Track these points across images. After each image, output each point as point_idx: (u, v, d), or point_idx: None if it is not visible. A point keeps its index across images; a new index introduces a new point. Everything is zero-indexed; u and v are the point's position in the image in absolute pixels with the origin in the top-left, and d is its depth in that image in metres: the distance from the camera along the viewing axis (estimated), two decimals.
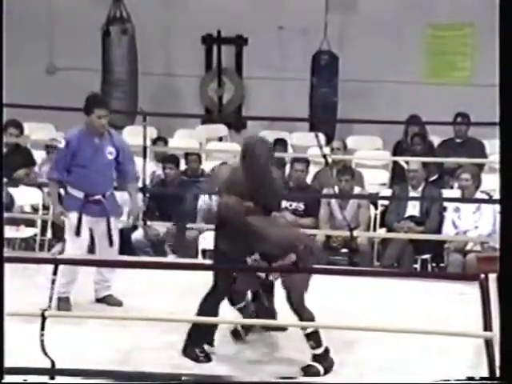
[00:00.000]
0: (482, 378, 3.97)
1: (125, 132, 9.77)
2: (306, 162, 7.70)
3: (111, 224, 5.52)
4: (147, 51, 10.07)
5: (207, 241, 7.25)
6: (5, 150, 8.18)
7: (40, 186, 7.75)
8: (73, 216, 5.43)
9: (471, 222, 7.14)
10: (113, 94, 9.99)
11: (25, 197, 7.79)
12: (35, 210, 7.74)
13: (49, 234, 7.47)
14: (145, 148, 6.99)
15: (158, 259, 7.07)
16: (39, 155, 8.48)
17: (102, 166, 5.47)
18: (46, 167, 8.19)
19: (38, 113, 8.50)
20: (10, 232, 7.35)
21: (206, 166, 8.28)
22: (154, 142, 8.57)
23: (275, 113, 9.61)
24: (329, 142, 9.02)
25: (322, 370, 4.68)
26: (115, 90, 9.98)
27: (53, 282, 4.58)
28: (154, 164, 8.26)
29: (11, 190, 7.48)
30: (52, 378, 4.20)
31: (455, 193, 7.68)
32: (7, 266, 4.92)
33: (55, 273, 4.57)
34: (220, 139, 10.13)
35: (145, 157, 6.98)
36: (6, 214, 7.47)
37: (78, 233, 5.39)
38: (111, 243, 5.49)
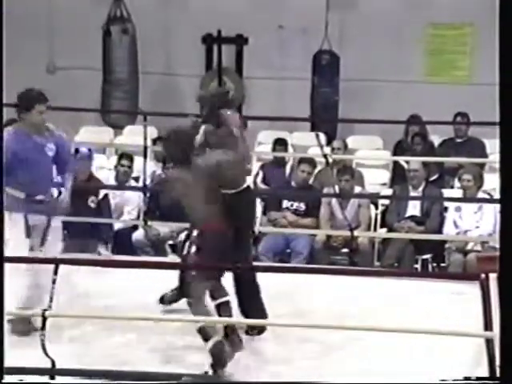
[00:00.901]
0: (482, 378, 3.97)
1: (125, 132, 9.79)
2: (313, 163, 7.69)
3: (51, 224, 5.30)
4: (148, 51, 10.08)
5: None
6: None
7: None
8: (17, 217, 5.26)
9: (472, 222, 7.14)
10: (113, 93, 10.00)
11: None
12: None
13: None
14: (145, 148, 6.98)
15: (158, 259, 7.07)
16: None
17: (43, 164, 5.25)
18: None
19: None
20: None
21: None
22: (155, 141, 8.58)
23: (276, 112, 9.62)
24: (329, 141, 9.02)
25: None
26: (116, 90, 9.99)
27: (53, 281, 4.58)
28: (154, 164, 8.27)
29: None
30: (52, 377, 4.20)
31: (456, 192, 7.69)
32: (7, 266, 4.94)
33: (56, 272, 4.57)
34: None
35: (145, 156, 6.98)
36: None
37: (28, 235, 5.19)
38: (43, 243, 5.26)
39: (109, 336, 5.01)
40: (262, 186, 8.30)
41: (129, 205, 7.62)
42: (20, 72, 9.94)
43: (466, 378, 4.01)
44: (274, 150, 8.58)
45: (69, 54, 10.12)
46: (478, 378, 4.05)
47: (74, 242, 7.03)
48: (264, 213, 7.67)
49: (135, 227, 7.54)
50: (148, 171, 7.31)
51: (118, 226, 7.51)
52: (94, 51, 9.96)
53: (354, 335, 4.90)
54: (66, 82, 9.96)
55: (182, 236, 5.33)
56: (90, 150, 7.61)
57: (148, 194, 7.41)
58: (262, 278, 5.07)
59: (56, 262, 4.45)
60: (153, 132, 9.18)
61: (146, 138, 6.97)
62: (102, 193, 7.38)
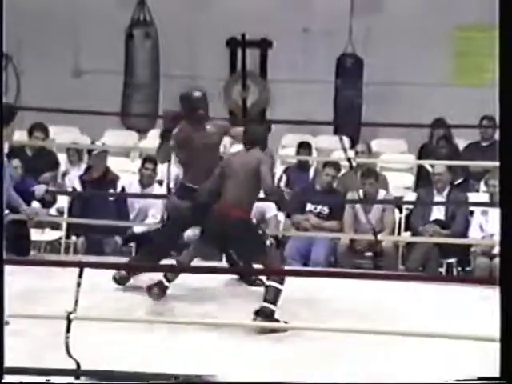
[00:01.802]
0: (481, 378, 3.98)
1: (149, 135, 9.84)
2: (338, 166, 7.70)
3: None
4: (171, 54, 10.12)
5: None
6: (30, 153, 8.27)
7: (66, 190, 7.83)
8: None
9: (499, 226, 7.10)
10: (135, 96, 10.06)
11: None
12: (60, 213, 7.80)
13: (74, 237, 7.54)
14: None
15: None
16: (64, 159, 8.56)
17: None
18: (72, 172, 8.28)
19: (64, 116, 8.59)
20: (35, 235, 7.42)
21: None
22: None
23: (299, 116, 9.63)
24: (353, 145, 9.02)
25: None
26: (137, 93, 10.05)
27: (78, 284, 4.63)
28: (178, 167, 8.29)
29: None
30: (77, 378, 4.24)
31: (481, 196, 7.66)
32: (34, 269, 4.99)
33: (80, 275, 4.61)
34: None
35: (169, 160, 7.00)
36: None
37: None
38: None
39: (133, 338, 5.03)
40: (286, 190, 8.31)
41: (153, 208, 7.67)
42: (46, 75, 10.06)
43: (480, 378, 4.02)
44: (297, 153, 8.60)
45: (94, 56, 10.19)
46: (481, 378, 4.06)
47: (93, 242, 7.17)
48: (288, 216, 7.69)
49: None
50: (172, 174, 7.35)
51: (141, 229, 7.56)
52: (118, 54, 10.02)
53: (376, 338, 4.89)
54: (91, 85, 10.03)
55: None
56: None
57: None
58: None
59: (81, 266, 4.49)
60: None
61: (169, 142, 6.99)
62: (120, 186, 7.57)
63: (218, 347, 4.89)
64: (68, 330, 4.26)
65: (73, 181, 8.05)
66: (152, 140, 9.54)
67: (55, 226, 7.68)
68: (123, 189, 7.65)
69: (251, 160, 5.35)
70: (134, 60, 10.02)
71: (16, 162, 6.98)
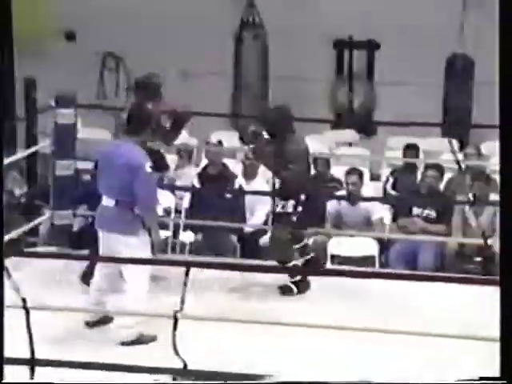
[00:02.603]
0: (482, 378, 3.97)
1: None
2: (440, 168, 7.60)
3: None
4: (278, 55, 10.15)
5: (336, 246, 7.28)
6: None
7: (173, 190, 7.94)
8: None
9: None
10: (243, 98, 10.13)
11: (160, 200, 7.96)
12: (168, 213, 7.92)
13: (181, 237, 7.64)
14: None
15: None
16: (172, 159, 8.66)
17: None
18: (180, 171, 8.40)
19: None
20: None
21: (335, 170, 8.30)
22: None
23: (407, 118, 9.51)
24: (462, 147, 8.86)
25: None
26: (245, 95, 10.12)
27: (185, 283, 4.69)
28: None
29: None
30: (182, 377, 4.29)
31: None
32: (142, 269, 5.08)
33: (187, 274, 4.67)
34: (350, 144, 10.10)
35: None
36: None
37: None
38: None
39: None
40: (392, 193, 8.23)
41: (260, 204, 7.65)
42: None
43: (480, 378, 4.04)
44: (404, 155, 8.50)
45: (201, 58, 10.31)
46: (482, 378, 4.06)
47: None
48: (394, 219, 7.61)
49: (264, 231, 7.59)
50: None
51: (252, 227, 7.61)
52: (226, 56, 10.11)
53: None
54: (198, 88, 10.15)
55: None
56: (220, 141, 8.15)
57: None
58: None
59: (188, 265, 4.54)
60: None
61: None
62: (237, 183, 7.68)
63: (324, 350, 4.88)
64: (175, 328, 4.32)
65: (181, 179, 8.17)
66: None
67: (162, 226, 7.79)
68: (240, 187, 7.70)
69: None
70: (243, 61, 10.09)
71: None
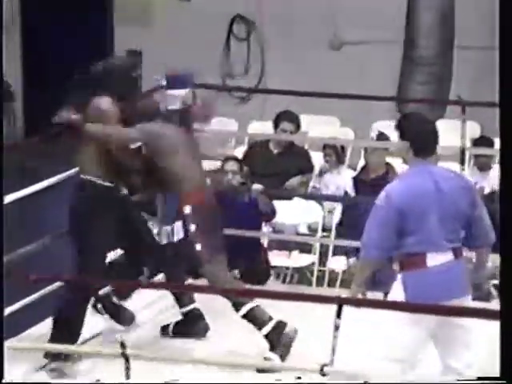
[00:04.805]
0: (482, 378, 4.25)
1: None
2: None
3: None
4: (466, 17, 9.92)
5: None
6: (276, 150, 8.41)
7: (320, 201, 7.90)
8: None
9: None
10: (416, 76, 9.97)
11: (299, 213, 7.94)
12: (313, 231, 7.88)
13: (329, 264, 7.59)
14: (463, 150, 6.91)
15: None
16: (318, 158, 8.63)
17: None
18: (328, 176, 8.36)
19: (319, 101, 8.67)
20: (278, 259, 7.54)
21: None
22: (476, 142, 8.43)
23: None
24: None
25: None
26: (419, 71, 9.96)
27: (336, 328, 4.62)
28: (477, 172, 8.13)
29: (280, 203, 7.63)
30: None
31: None
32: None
33: (339, 315, 4.59)
34: None
35: (462, 162, 6.90)
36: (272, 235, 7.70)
37: None
38: None
39: None
40: None
41: None
42: (294, 50, 10.23)
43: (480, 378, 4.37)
44: None
45: (358, 24, 10.23)
46: (482, 378, 4.35)
47: None
48: None
49: None
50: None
51: None
52: (391, 21, 9.98)
53: None
54: (354, 61, 10.07)
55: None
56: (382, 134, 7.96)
57: None
58: None
59: (340, 302, 4.48)
60: (474, 129, 9.07)
61: (463, 137, 6.90)
62: None
63: None
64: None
65: (328, 186, 8.12)
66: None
67: (305, 249, 7.77)
68: None
69: None
70: (415, 26, 9.89)
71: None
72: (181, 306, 6.27)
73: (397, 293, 4.92)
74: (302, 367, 4.91)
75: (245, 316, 5.88)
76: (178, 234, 6.09)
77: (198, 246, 5.93)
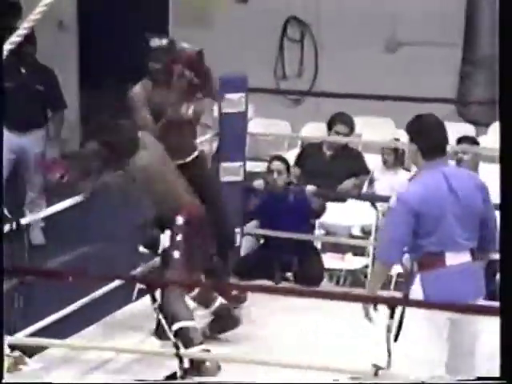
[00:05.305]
0: (481, 378, 4.27)
1: (490, 130, 9.65)
2: None
3: None
4: None
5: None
6: (329, 152, 8.39)
7: (374, 203, 7.86)
8: None
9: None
10: (476, 78, 9.90)
11: (353, 216, 7.93)
12: (366, 233, 7.85)
13: None
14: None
15: None
16: (373, 161, 8.59)
17: None
18: (383, 179, 8.32)
19: (374, 103, 8.62)
20: (332, 261, 7.52)
21: None
22: (460, 141, 8.31)
23: None
24: None
25: None
26: (478, 73, 9.90)
27: (388, 329, 4.63)
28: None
29: (333, 204, 7.62)
30: None
31: None
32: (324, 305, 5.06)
33: (392, 316, 4.59)
34: None
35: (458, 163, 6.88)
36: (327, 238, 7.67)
37: None
38: None
39: None
40: None
41: None
42: (349, 51, 10.19)
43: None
44: None
45: (415, 25, 10.18)
46: (481, 378, 4.37)
47: None
48: None
49: None
50: None
51: None
52: (450, 20, 9.92)
53: None
54: (412, 63, 10.01)
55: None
56: None
57: None
58: None
59: (393, 303, 4.47)
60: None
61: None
62: None
63: None
64: None
65: (385, 189, 8.08)
66: (493, 136, 9.36)
67: (359, 251, 7.74)
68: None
69: None
70: (475, 27, 9.82)
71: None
72: (206, 307, 6.28)
73: (417, 293, 4.91)
74: (356, 370, 4.94)
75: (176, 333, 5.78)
76: (165, 244, 6.09)
77: (177, 254, 5.96)
